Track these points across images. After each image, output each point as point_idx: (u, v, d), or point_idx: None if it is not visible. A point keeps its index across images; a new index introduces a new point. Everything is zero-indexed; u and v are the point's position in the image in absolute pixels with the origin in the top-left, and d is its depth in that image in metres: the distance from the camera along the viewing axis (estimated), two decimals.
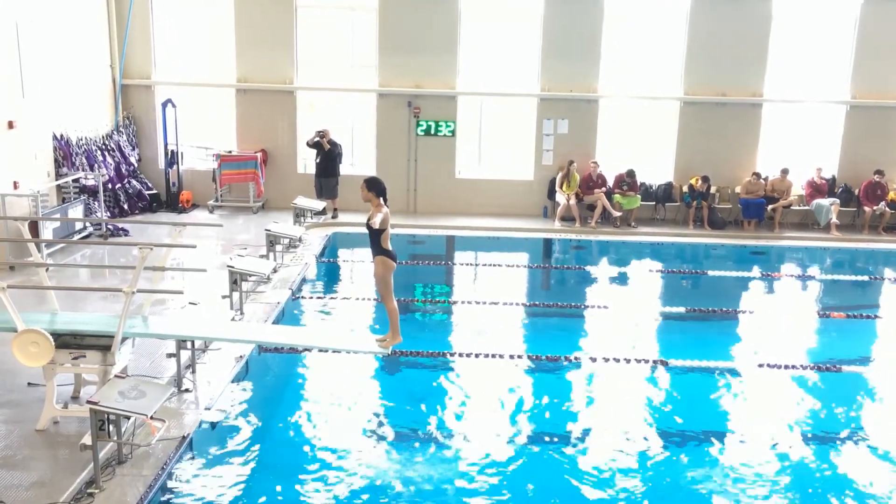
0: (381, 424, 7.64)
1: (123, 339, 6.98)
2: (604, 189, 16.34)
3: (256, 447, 7.16)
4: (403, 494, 6.42)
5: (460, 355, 9.33)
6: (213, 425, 7.34)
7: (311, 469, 6.81)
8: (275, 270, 11.55)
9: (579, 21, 16.48)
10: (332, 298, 11.88)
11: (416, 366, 9.09)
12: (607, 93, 16.84)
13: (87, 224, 13.67)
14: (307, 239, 14.26)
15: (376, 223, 7.49)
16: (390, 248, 7.70)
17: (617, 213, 16.21)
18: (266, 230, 12.51)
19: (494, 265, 14.06)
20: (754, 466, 7.02)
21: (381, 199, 7.61)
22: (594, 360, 9.23)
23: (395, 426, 7.61)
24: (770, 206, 16.38)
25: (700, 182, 16.34)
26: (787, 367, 9.11)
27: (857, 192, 16.69)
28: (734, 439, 7.53)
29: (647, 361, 9.18)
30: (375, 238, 7.61)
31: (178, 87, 16.72)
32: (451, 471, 6.79)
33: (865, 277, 14.03)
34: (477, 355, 9.23)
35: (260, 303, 10.56)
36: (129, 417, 6.15)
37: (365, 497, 6.39)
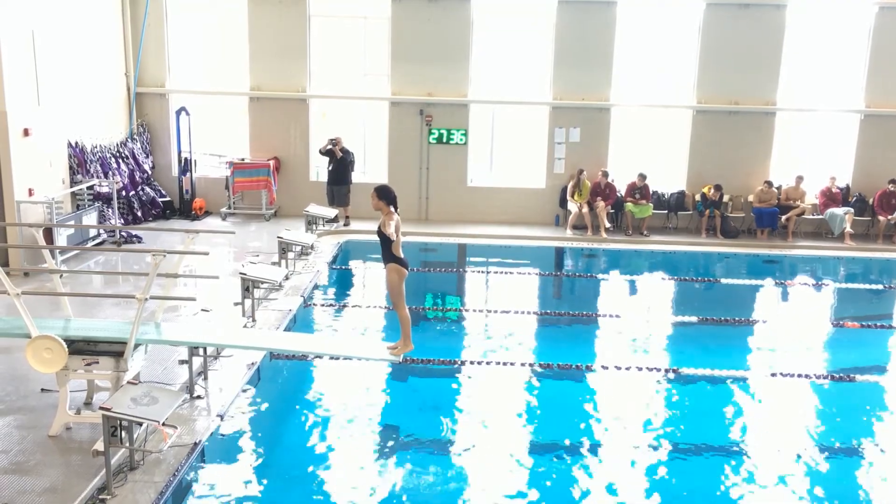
0: (392, 432, 7.64)
1: (136, 346, 7.02)
2: (600, 199, 16.25)
3: (268, 454, 7.17)
4: (415, 503, 6.41)
5: (472, 363, 9.32)
6: (225, 432, 7.35)
7: (322, 476, 6.81)
8: (287, 278, 11.58)
9: (591, 30, 16.48)
10: (343, 306, 11.89)
11: (428, 373, 9.08)
12: (619, 101, 16.83)
13: (101, 231, 13.76)
14: (319, 246, 14.30)
15: (392, 234, 7.51)
16: (402, 255, 7.71)
17: (607, 225, 16.13)
18: (278, 237, 12.55)
19: (506, 273, 14.05)
20: (767, 477, 6.97)
21: (392, 207, 7.64)
22: (606, 368, 9.20)
23: (407, 434, 7.61)
24: (784, 216, 16.30)
25: (713, 191, 16.29)
26: (800, 376, 9.05)
27: (871, 201, 16.59)
28: (746, 449, 7.47)
29: (659, 370, 9.14)
30: (387, 246, 7.63)
31: (191, 96, 16.83)
32: (462, 479, 6.78)
33: (880, 287, 13.92)
34: (488, 363, 9.23)
35: (272, 310, 10.59)
36: (141, 424, 6.18)
37: None
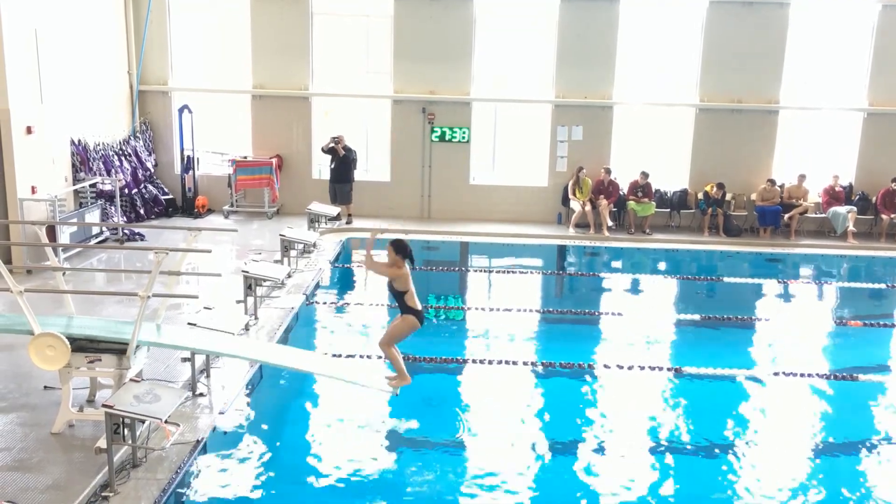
0: (394, 430, 7.63)
1: (138, 345, 7.02)
2: (603, 197, 16.24)
3: (270, 451, 7.17)
4: (416, 501, 6.41)
5: (473, 362, 9.32)
6: (227, 429, 7.36)
7: (324, 474, 6.82)
8: (289, 275, 11.59)
9: (594, 28, 16.46)
10: (345, 304, 11.90)
11: (429, 372, 9.08)
12: (622, 99, 16.81)
13: (104, 229, 13.77)
14: (321, 244, 14.32)
15: (407, 286, 7.50)
16: (418, 307, 7.61)
17: (609, 223, 16.12)
18: (280, 235, 12.56)
19: (508, 271, 14.05)
20: (768, 476, 6.97)
21: (408, 261, 7.57)
22: (608, 367, 9.19)
23: (409, 432, 7.60)
24: (787, 215, 16.28)
25: (715, 189, 16.27)
26: (802, 375, 9.04)
27: (874, 199, 16.57)
28: (749, 448, 7.47)
29: (661, 369, 9.14)
30: (401, 298, 7.58)
31: (194, 93, 16.83)
32: (463, 478, 6.78)
33: (882, 286, 13.89)
34: (490, 362, 9.23)
35: (274, 308, 10.60)
36: (143, 421, 6.18)
37: (378, 503, 6.39)
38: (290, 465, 6.98)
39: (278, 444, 7.39)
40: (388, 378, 7.81)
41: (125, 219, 14.99)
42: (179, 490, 6.26)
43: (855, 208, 16.33)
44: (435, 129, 16.85)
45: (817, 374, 9.16)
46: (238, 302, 10.30)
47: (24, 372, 7.92)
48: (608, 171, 16.49)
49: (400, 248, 7.59)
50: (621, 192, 16.60)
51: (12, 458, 6.45)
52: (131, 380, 6.66)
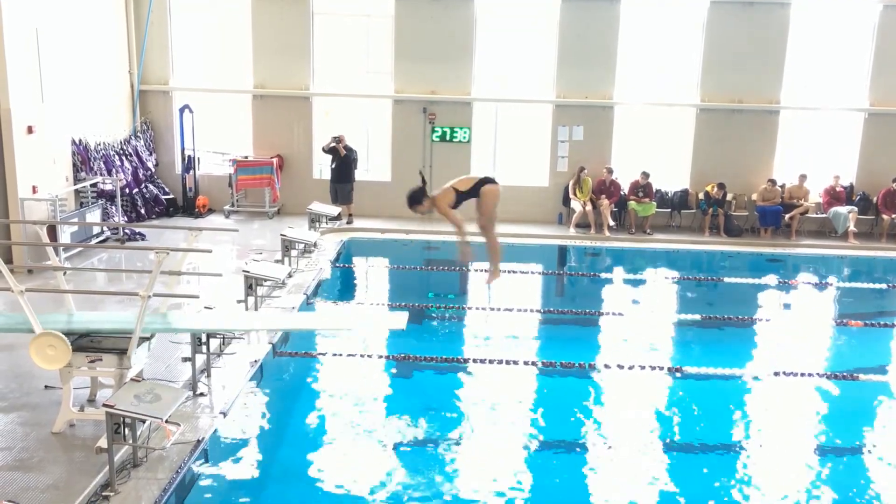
0: (395, 430, 7.64)
1: (139, 343, 7.03)
2: (604, 197, 16.23)
3: (270, 452, 7.18)
4: (416, 501, 6.41)
5: (474, 362, 9.32)
6: (228, 429, 7.36)
7: (325, 475, 6.82)
8: (290, 275, 11.58)
9: (595, 28, 16.45)
10: (346, 304, 11.90)
11: (431, 372, 9.08)
12: (623, 100, 16.80)
13: (105, 228, 13.78)
14: (322, 244, 14.31)
15: (448, 199, 7.67)
16: (479, 177, 7.88)
17: (610, 223, 16.12)
18: (281, 235, 12.57)
19: (509, 272, 14.02)
20: (768, 476, 6.97)
21: (427, 198, 7.72)
22: (608, 367, 9.19)
23: (409, 433, 7.61)
24: (787, 215, 16.28)
25: (716, 189, 16.27)
26: (803, 375, 9.04)
27: (875, 199, 16.56)
28: (749, 449, 7.48)
29: (661, 369, 9.14)
30: (462, 199, 7.80)
31: (195, 93, 16.83)
32: (464, 478, 6.78)
33: (883, 286, 13.89)
34: (491, 362, 9.23)
35: (275, 307, 10.59)
36: (144, 421, 6.19)
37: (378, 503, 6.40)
38: (291, 465, 6.99)
39: (279, 443, 7.39)
40: (489, 273, 8.13)
41: (126, 218, 15.00)
42: (180, 490, 6.25)
43: (856, 208, 16.32)
44: (436, 129, 16.85)
45: (817, 374, 9.16)
46: (239, 301, 10.31)
47: (25, 371, 7.93)
48: (610, 171, 16.48)
49: (414, 199, 7.67)
50: (622, 192, 16.60)
51: (13, 458, 6.45)
52: (132, 379, 6.66)
